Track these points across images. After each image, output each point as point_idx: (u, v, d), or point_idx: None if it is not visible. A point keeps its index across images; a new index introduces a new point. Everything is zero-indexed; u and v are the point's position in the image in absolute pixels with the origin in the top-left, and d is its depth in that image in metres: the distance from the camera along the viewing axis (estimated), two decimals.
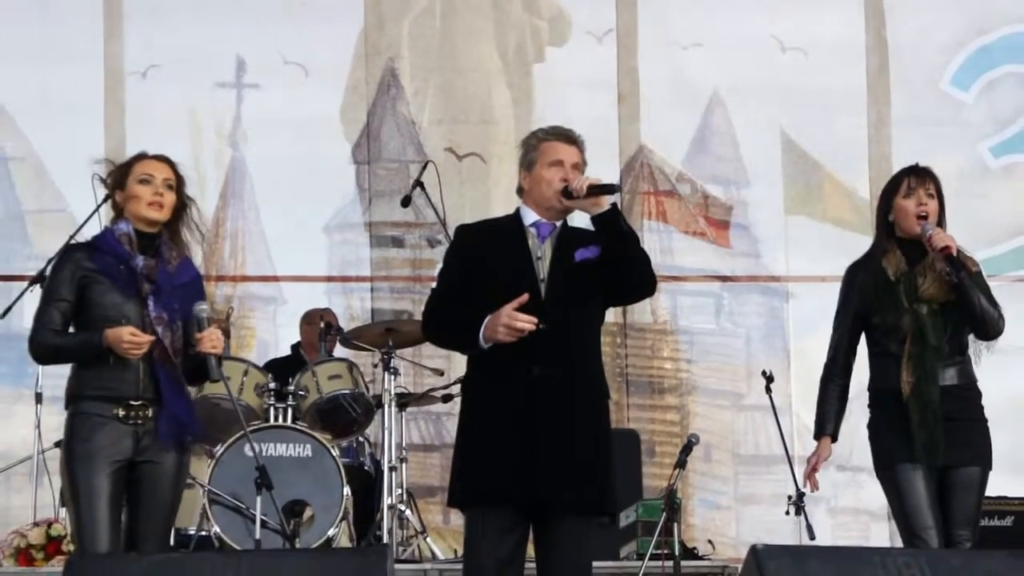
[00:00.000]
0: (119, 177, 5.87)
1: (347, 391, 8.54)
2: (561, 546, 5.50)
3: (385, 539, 8.13)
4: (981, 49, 10.89)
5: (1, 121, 10.41)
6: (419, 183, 8.73)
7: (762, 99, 10.71)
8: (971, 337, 6.10)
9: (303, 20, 10.57)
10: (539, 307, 5.46)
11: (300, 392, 8.49)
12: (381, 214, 10.58)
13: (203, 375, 5.86)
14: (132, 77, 10.50)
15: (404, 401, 8.79)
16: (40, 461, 8.61)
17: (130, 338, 5.59)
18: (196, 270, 5.96)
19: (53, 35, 10.42)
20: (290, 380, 8.52)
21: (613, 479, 5.58)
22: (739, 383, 10.57)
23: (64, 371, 5.86)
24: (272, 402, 8.39)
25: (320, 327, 9.08)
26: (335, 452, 8.13)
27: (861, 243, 6.47)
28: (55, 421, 7.25)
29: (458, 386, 7.76)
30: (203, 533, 8.00)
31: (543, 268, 5.60)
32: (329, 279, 10.56)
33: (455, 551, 8.85)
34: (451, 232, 6.64)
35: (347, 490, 8.06)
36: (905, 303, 6.01)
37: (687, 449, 7.45)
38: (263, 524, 7.48)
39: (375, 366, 8.83)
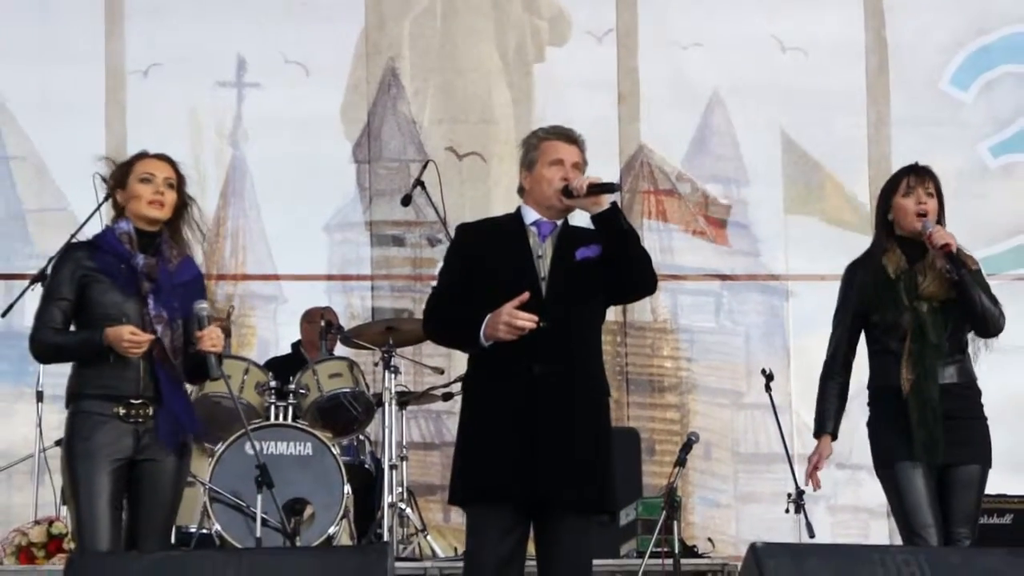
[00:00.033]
0: (120, 176, 5.88)
1: (348, 389, 8.54)
2: (561, 544, 5.51)
3: (385, 537, 8.13)
4: (980, 49, 10.90)
5: (2, 120, 10.42)
6: (419, 182, 8.74)
7: (762, 99, 10.71)
8: (970, 335, 6.11)
9: (304, 19, 10.58)
10: (540, 305, 5.47)
11: (301, 390, 8.49)
12: (382, 213, 10.59)
13: (203, 373, 5.87)
14: (133, 76, 10.50)
15: (404, 399, 8.79)
16: (41, 459, 8.61)
17: (130, 337, 5.60)
18: (197, 269, 5.97)
19: (54, 34, 10.43)
20: (291, 378, 8.52)
21: (613, 477, 5.59)
22: (739, 381, 10.58)
23: (65, 369, 5.88)
24: (273, 400, 8.39)
25: (321, 326, 9.09)
26: (336, 450, 8.14)
27: (860, 242, 6.48)
28: (56, 419, 7.28)
29: (458, 384, 7.79)
30: (204, 531, 7.99)
31: (544, 267, 5.61)
32: (330, 278, 10.57)
33: (455, 549, 8.85)
34: (451, 231, 6.65)
35: (347, 488, 8.06)
36: (905, 301, 6.03)
37: (687, 447, 7.46)
38: (264, 522, 7.48)
39: (375, 364, 8.83)
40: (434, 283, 5.98)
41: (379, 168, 10.65)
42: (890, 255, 6.11)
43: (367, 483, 8.69)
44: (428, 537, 8.63)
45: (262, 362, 9.05)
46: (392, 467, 8.39)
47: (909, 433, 5.94)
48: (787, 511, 7.93)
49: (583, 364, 5.56)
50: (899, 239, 6.13)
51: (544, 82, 10.77)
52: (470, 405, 5.64)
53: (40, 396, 8.65)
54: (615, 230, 5.57)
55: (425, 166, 8.83)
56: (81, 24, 10.49)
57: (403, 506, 8.42)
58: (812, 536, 7.74)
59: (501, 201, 9.80)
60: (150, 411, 5.70)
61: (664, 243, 10.61)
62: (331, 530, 7.98)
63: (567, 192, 5.60)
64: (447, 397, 8.86)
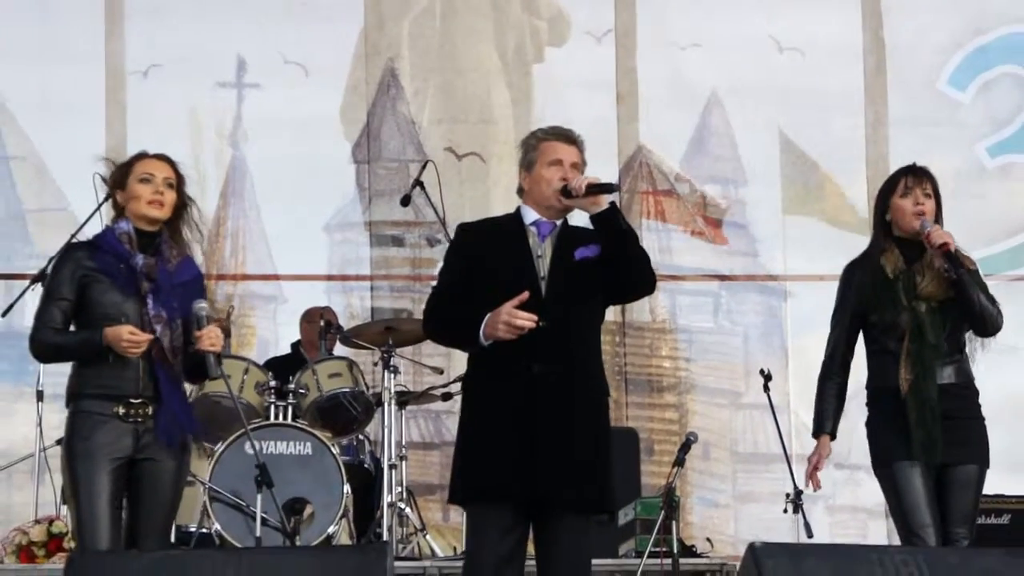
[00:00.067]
0: (120, 176, 5.89)
1: (347, 389, 8.54)
2: (560, 544, 5.51)
3: (385, 537, 8.13)
4: (978, 49, 10.91)
5: (2, 120, 10.43)
6: (419, 182, 8.75)
7: (760, 99, 10.72)
8: (968, 335, 6.12)
9: (303, 20, 10.59)
10: (539, 305, 5.48)
11: (300, 390, 8.49)
12: (381, 213, 10.59)
13: (203, 373, 5.87)
14: (133, 76, 10.51)
15: (404, 399, 8.80)
16: (41, 459, 8.61)
17: (129, 337, 5.61)
18: (197, 268, 5.98)
19: (54, 34, 10.43)
20: (290, 378, 8.52)
21: (613, 477, 5.60)
22: (737, 381, 10.59)
23: (65, 369, 5.88)
24: (272, 400, 8.39)
25: (320, 325, 9.09)
26: (335, 450, 8.14)
27: (859, 242, 6.49)
28: (56, 419, 7.29)
29: (458, 384, 7.80)
30: (204, 530, 7.99)
31: (543, 266, 5.62)
32: (329, 278, 10.58)
33: (455, 548, 8.86)
34: (451, 231, 6.67)
35: (347, 488, 8.06)
36: (904, 301, 6.03)
37: (685, 447, 7.46)
38: (263, 522, 7.48)
39: (375, 364, 8.84)
40: (433, 283, 5.99)
41: (378, 168, 10.66)
42: (888, 255, 6.12)
43: (366, 483, 8.70)
44: (427, 536, 8.64)
45: (262, 362, 9.06)
46: (391, 467, 8.39)
47: (907, 433, 5.94)
48: (785, 511, 7.94)
49: (582, 364, 5.57)
50: (897, 239, 6.14)
51: (543, 82, 10.78)
52: (470, 405, 5.65)
53: (40, 395, 8.66)
54: (614, 230, 5.58)
55: (424, 166, 8.84)
56: (81, 24, 10.49)
57: (402, 506, 8.43)
58: (810, 536, 7.75)
59: (500, 201, 9.81)
60: (149, 411, 5.71)
61: (663, 243, 10.62)
62: (331, 529, 7.98)
63: (566, 192, 5.62)
64: (446, 397, 8.87)
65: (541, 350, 5.47)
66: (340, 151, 10.63)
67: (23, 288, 8.19)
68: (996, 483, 6.61)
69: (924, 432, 5.93)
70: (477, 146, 10.69)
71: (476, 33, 10.81)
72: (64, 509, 7.85)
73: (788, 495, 7.92)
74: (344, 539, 8.16)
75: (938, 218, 6.13)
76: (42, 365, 8.14)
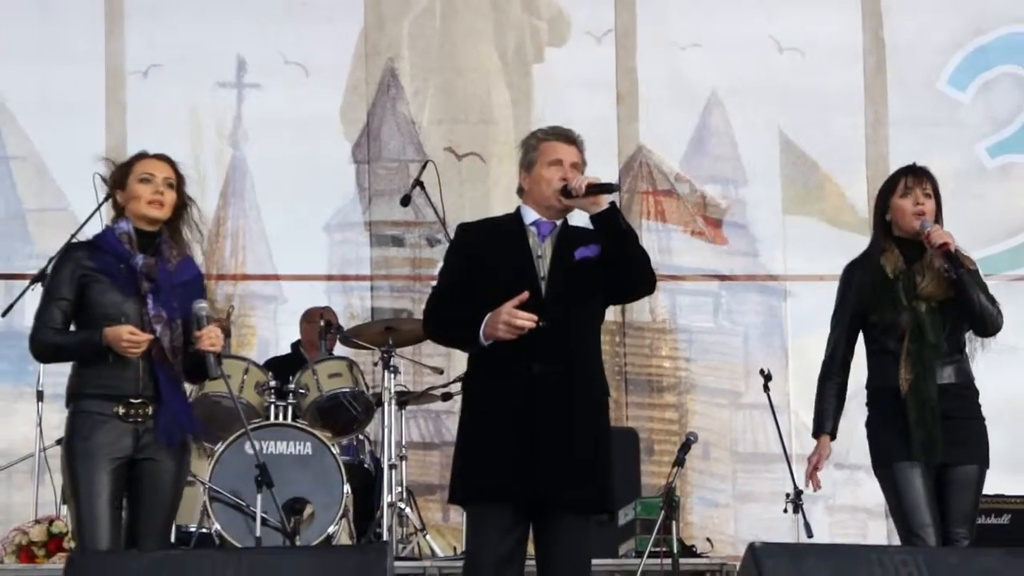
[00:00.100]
0: (120, 176, 5.89)
1: (347, 389, 8.55)
2: (560, 544, 5.52)
3: (385, 537, 8.14)
4: (978, 50, 10.91)
5: (3, 120, 10.43)
6: (419, 182, 8.75)
7: (760, 99, 10.72)
8: (968, 335, 6.12)
9: (303, 20, 10.59)
10: (539, 305, 5.48)
11: (300, 390, 8.50)
12: (381, 213, 10.60)
13: (203, 373, 5.87)
14: (133, 76, 10.51)
15: (404, 399, 8.80)
16: (41, 459, 8.62)
17: (128, 337, 5.61)
18: (197, 268, 5.98)
19: (54, 34, 10.43)
20: (290, 378, 8.53)
21: (613, 477, 5.61)
22: (737, 381, 10.59)
23: (65, 369, 5.89)
24: (272, 400, 8.40)
25: (320, 325, 9.09)
26: (335, 450, 8.14)
27: (858, 242, 6.49)
28: (56, 419, 7.29)
29: (457, 384, 7.81)
30: (204, 530, 8.00)
31: (543, 266, 5.62)
32: (329, 278, 10.58)
33: (454, 548, 8.87)
34: (451, 231, 6.67)
35: (347, 488, 8.06)
36: (904, 300, 6.03)
37: (685, 447, 7.46)
38: (263, 522, 7.48)
39: (375, 364, 8.84)
40: (433, 283, 5.99)
41: (378, 168, 10.66)
42: (888, 255, 6.12)
43: (366, 483, 8.70)
44: (427, 536, 8.64)
45: (262, 362, 9.06)
46: (391, 467, 8.40)
47: (907, 433, 5.94)
48: (785, 511, 7.95)
49: (582, 364, 5.57)
50: (897, 239, 6.15)
51: (543, 82, 10.78)
52: (470, 404, 5.66)
53: (40, 395, 8.66)
54: (614, 230, 5.58)
55: (424, 166, 8.84)
56: (81, 24, 10.50)
57: (402, 506, 8.43)
58: (810, 536, 7.76)
59: (500, 201, 9.81)
60: (149, 410, 5.71)
61: (663, 243, 10.62)
62: (330, 529, 7.98)
63: (566, 192, 5.62)
64: (446, 397, 8.87)
65: (541, 350, 5.47)
66: (340, 151, 10.63)
67: (23, 288, 8.19)
68: (996, 483, 6.62)
69: (924, 432, 5.93)
70: (477, 146, 10.69)
71: (476, 33, 10.81)
72: (64, 509, 7.86)
73: (788, 495, 7.93)
74: (344, 539, 8.16)
75: (938, 218, 6.14)
76: (42, 365, 8.15)
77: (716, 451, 10.49)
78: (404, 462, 8.62)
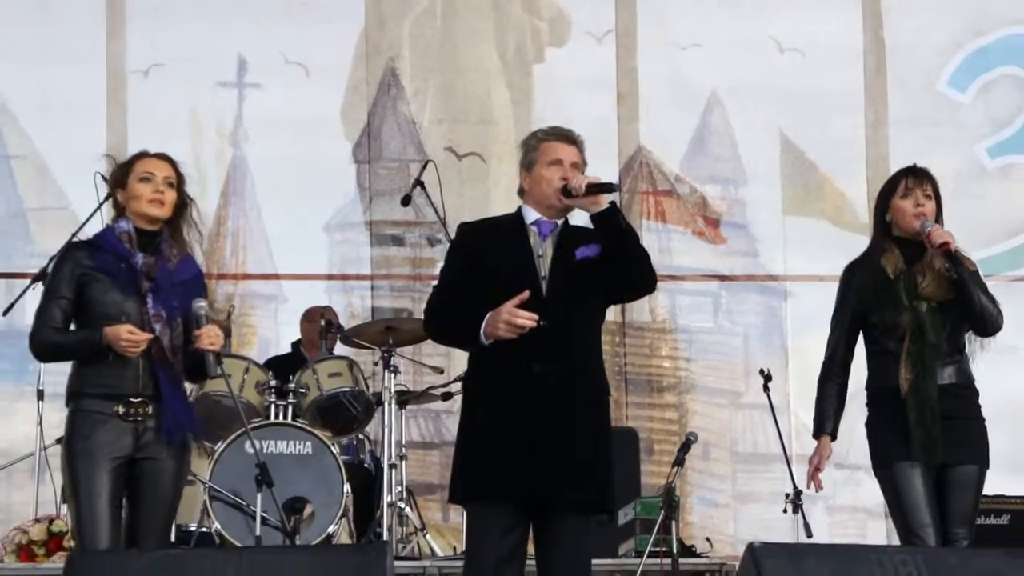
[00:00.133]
0: (120, 176, 5.90)
1: (347, 389, 8.55)
2: (560, 544, 5.52)
3: (385, 536, 8.14)
4: (978, 50, 10.92)
5: (3, 119, 10.44)
6: (419, 182, 8.76)
7: (760, 100, 10.73)
8: (968, 336, 6.13)
9: (304, 20, 10.60)
10: (540, 304, 5.49)
11: (301, 390, 8.50)
12: (381, 213, 10.60)
13: (203, 372, 5.87)
14: (134, 76, 10.52)
15: (404, 399, 8.80)
16: (42, 458, 8.62)
17: (128, 336, 5.62)
18: (198, 267, 5.99)
19: (56, 34, 10.44)
20: (291, 378, 8.53)
21: (613, 477, 5.61)
22: (737, 381, 10.59)
23: (66, 368, 5.89)
24: (273, 399, 8.40)
25: (321, 325, 9.10)
26: (335, 449, 8.15)
27: (858, 243, 6.50)
28: (57, 418, 7.29)
29: (457, 384, 7.82)
30: (204, 530, 8.00)
31: (544, 266, 5.62)
32: (330, 277, 10.58)
33: (454, 548, 8.87)
34: (451, 231, 6.67)
35: (347, 487, 8.06)
36: (905, 301, 6.04)
37: (685, 447, 7.46)
38: (263, 521, 7.48)
39: (375, 364, 8.85)
40: (434, 283, 5.99)
41: (379, 168, 10.67)
42: (888, 256, 6.13)
43: (366, 482, 8.70)
44: (427, 536, 8.64)
45: (262, 361, 9.07)
46: (391, 466, 8.40)
47: (907, 433, 5.95)
48: (785, 511, 7.96)
49: (583, 363, 5.58)
50: (897, 240, 6.15)
51: (544, 82, 10.79)
52: (470, 404, 5.66)
53: (41, 395, 8.68)
54: (614, 229, 5.59)
55: (425, 166, 8.85)
56: (82, 24, 10.50)
57: (402, 505, 8.44)
58: (810, 536, 7.76)
59: (500, 201, 9.81)
60: (149, 410, 5.72)
61: (663, 244, 10.63)
62: (330, 529, 7.98)
63: (566, 192, 5.63)
64: (446, 397, 8.88)
65: (541, 349, 5.48)
66: (341, 151, 10.64)
67: (24, 287, 8.20)
68: (996, 483, 6.62)
69: (924, 432, 5.94)
70: (477, 146, 10.70)
71: (477, 33, 10.82)
72: (64, 508, 7.85)
73: (788, 495, 7.94)
74: (344, 539, 8.16)
75: (938, 219, 6.14)
76: (43, 364, 8.16)
77: (716, 451, 10.50)
78: (404, 462, 8.63)
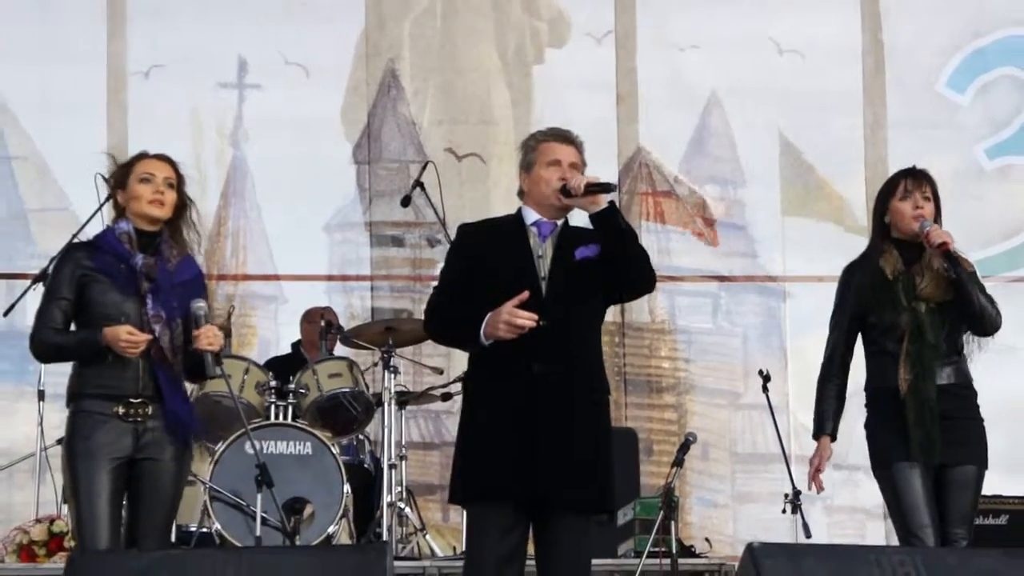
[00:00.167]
0: (120, 177, 5.91)
1: (347, 389, 8.56)
2: (560, 544, 5.52)
3: (385, 536, 8.14)
4: (976, 52, 10.92)
5: (4, 120, 10.44)
6: (419, 183, 8.76)
7: (759, 100, 10.73)
8: (966, 337, 6.14)
9: (304, 21, 10.60)
10: (540, 305, 5.50)
11: (301, 390, 8.51)
12: (381, 214, 10.61)
13: (202, 372, 5.87)
14: (135, 77, 10.52)
15: (404, 399, 8.81)
16: (43, 458, 8.63)
17: (127, 337, 5.62)
18: (198, 268, 5.99)
19: (56, 34, 10.45)
20: (291, 378, 8.54)
21: (613, 477, 5.61)
22: (736, 382, 10.60)
23: (66, 369, 5.90)
24: (273, 400, 8.41)
25: (321, 325, 9.10)
26: (335, 450, 8.15)
27: (857, 243, 6.51)
28: (58, 418, 7.31)
29: (457, 384, 7.83)
30: (204, 530, 8.00)
31: (544, 266, 5.63)
32: (330, 278, 10.59)
33: (454, 548, 8.88)
34: (451, 232, 6.68)
35: (347, 488, 8.07)
36: (904, 301, 6.04)
37: (684, 447, 7.47)
38: (263, 521, 7.48)
39: (375, 364, 8.86)
40: (434, 284, 6.00)
41: (379, 169, 10.67)
42: (887, 257, 6.13)
43: (366, 482, 8.71)
44: (427, 536, 8.65)
45: (262, 362, 9.07)
46: (391, 467, 8.41)
47: (906, 433, 5.95)
48: (784, 511, 7.96)
49: (583, 363, 5.58)
50: (896, 241, 6.16)
51: (543, 83, 10.80)
52: (470, 404, 5.67)
53: (42, 395, 8.69)
54: (613, 228, 5.59)
55: (425, 167, 8.85)
56: (82, 25, 10.51)
57: (402, 505, 8.44)
58: (808, 536, 7.77)
59: (500, 202, 9.82)
60: (149, 410, 5.72)
61: (662, 244, 10.64)
62: (330, 529, 7.99)
63: (565, 191, 5.64)
64: (446, 397, 8.89)
65: (541, 350, 5.48)
66: (341, 151, 10.64)
67: (25, 288, 8.20)
68: (994, 484, 6.63)
69: (923, 432, 5.95)
70: (477, 147, 10.71)
71: (476, 34, 10.83)
72: (65, 508, 7.87)
73: (787, 495, 7.95)
74: (344, 539, 8.17)
75: (937, 220, 6.15)
76: (43, 365, 8.16)
77: (715, 451, 10.50)
78: (404, 462, 8.63)
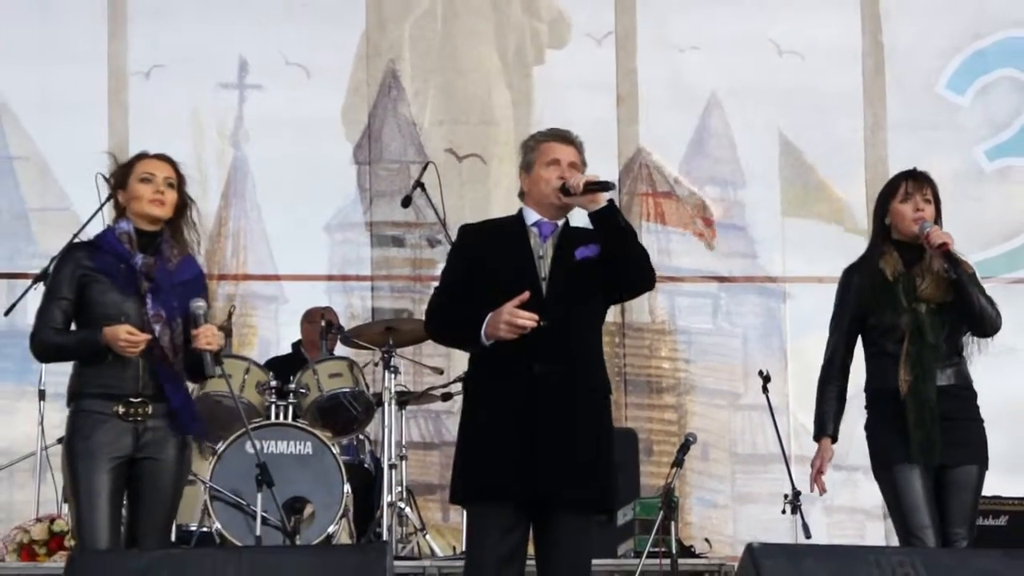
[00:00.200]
0: (121, 177, 5.91)
1: (347, 389, 8.56)
2: (560, 544, 5.52)
3: (385, 536, 8.15)
4: (976, 53, 10.93)
5: (5, 120, 10.45)
6: (420, 183, 8.76)
7: (759, 101, 10.74)
8: (966, 338, 6.15)
9: (305, 21, 10.61)
10: (540, 305, 5.50)
11: (301, 390, 8.51)
12: (382, 214, 10.62)
13: (201, 371, 5.87)
14: (135, 77, 10.53)
15: (404, 399, 8.82)
16: (43, 457, 8.64)
17: (126, 336, 5.62)
18: (198, 267, 5.99)
19: (57, 35, 10.45)
20: (291, 378, 8.54)
21: (614, 477, 5.62)
22: (736, 383, 10.60)
23: (67, 368, 5.90)
24: (273, 400, 8.41)
25: (321, 325, 9.11)
26: (335, 450, 8.16)
27: (857, 244, 6.52)
28: (58, 418, 7.31)
29: (457, 384, 7.84)
30: (204, 529, 8.01)
31: (545, 267, 5.63)
32: (330, 278, 10.60)
33: (454, 548, 8.88)
34: (451, 232, 6.69)
35: (347, 487, 8.07)
36: (904, 303, 6.05)
37: (684, 448, 7.48)
38: (264, 521, 7.49)
39: (375, 364, 8.86)
40: (434, 284, 6.01)
41: (379, 169, 10.68)
42: (887, 258, 6.14)
43: (367, 482, 8.71)
44: (427, 536, 8.65)
45: (263, 362, 9.07)
46: (391, 466, 8.41)
47: (906, 434, 5.95)
48: (784, 512, 7.97)
49: (584, 363, 5.59)
50: (896, 243, 6.16)
51: (544, 84, 10.80)
52: (471, 404, 5.67)
53: (42, 394, 8.70)
54: (613, 227, 5.59)
55: (425, 167, 8.85)
56: (83, 25, 10.51)
57: (402, 505, 8.45)
58: (808, 537, 7.77)
59: (501, 202, 9.83)
60: (149, 409, 5.72)
61: (662, 245, 10.64)
62: (331, 529, 7.99)
63: (564, 190, 5.64)
64: (446, 397, 8.90)
65: (542, 350, 5.49)
66: (341, 152, 10.65)
67: (26, 287, 8.21)
68: (994, 484, 6.62)
69: (923, 433, 5.95)
70: (478, 147, 10.71)
71: (477, 35, 10.83)
72: (65, 508, 7.87)
73: (786, 496, 7.95)
74: (344, 539, 8.17)
75: (937, 222, 6.15)
76: (44, 364, 8.17)
77: (715, 452, 10.51)
78: (404, 462, 8.64)
